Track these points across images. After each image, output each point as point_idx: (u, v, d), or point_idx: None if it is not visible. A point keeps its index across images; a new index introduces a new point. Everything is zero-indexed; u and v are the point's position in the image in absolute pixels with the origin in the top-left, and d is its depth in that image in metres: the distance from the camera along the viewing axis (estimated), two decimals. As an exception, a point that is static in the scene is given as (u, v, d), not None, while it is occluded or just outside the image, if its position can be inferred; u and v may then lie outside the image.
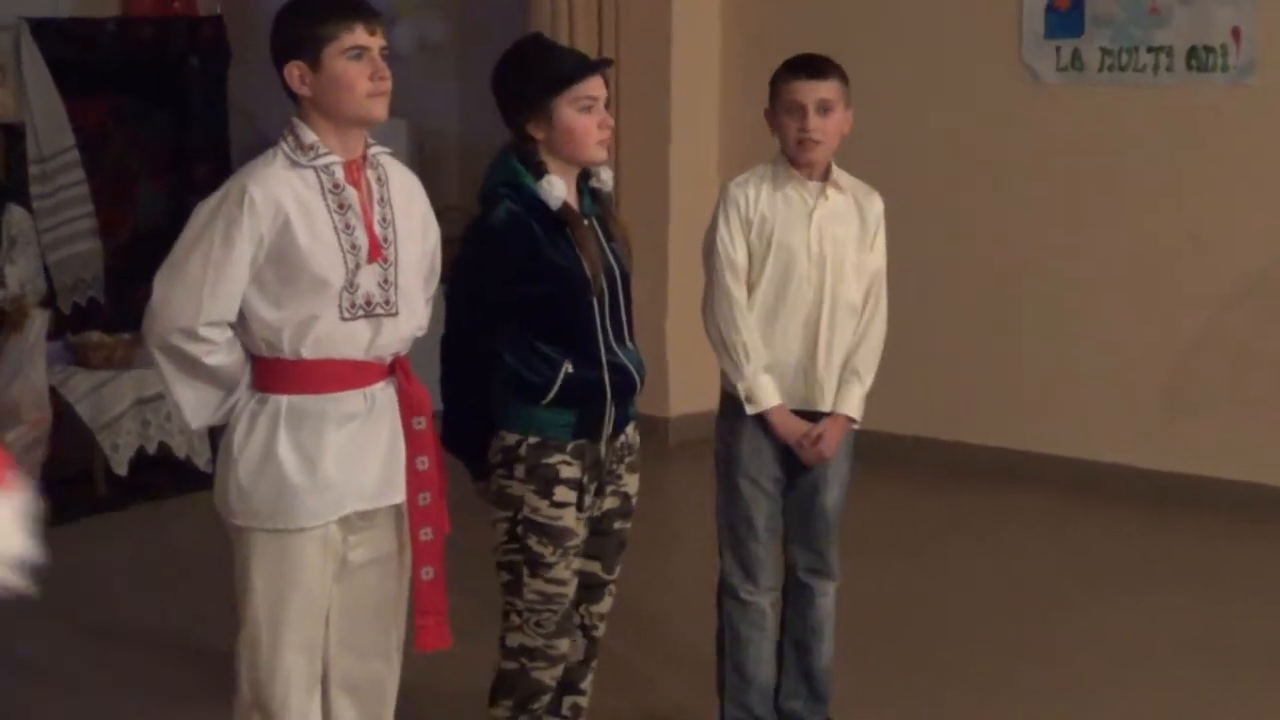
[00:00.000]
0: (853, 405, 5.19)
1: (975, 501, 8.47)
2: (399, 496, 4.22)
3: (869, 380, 5.21)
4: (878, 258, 5.24)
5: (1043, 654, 6.39)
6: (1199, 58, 8.21)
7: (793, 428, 5.15)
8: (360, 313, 4.08)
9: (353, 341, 4.08)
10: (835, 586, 5.36)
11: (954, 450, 8.98)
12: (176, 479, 8.55)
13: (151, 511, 8.30)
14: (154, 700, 5.97)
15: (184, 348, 4.02)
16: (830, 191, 5.15)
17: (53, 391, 8.03)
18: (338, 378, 4.08)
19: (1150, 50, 8.34)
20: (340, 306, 4.05)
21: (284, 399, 4.06)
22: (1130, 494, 8.35)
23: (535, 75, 4.53)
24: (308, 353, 4.04)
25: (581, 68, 4.61)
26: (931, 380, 8.91)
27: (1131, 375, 8.52)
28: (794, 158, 5.11)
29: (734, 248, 5.12)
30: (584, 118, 4.52)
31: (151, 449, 8.43)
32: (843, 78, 5.11)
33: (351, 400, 4.11)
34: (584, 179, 4.68)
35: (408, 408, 4.21)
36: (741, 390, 5.12)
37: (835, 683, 5.44)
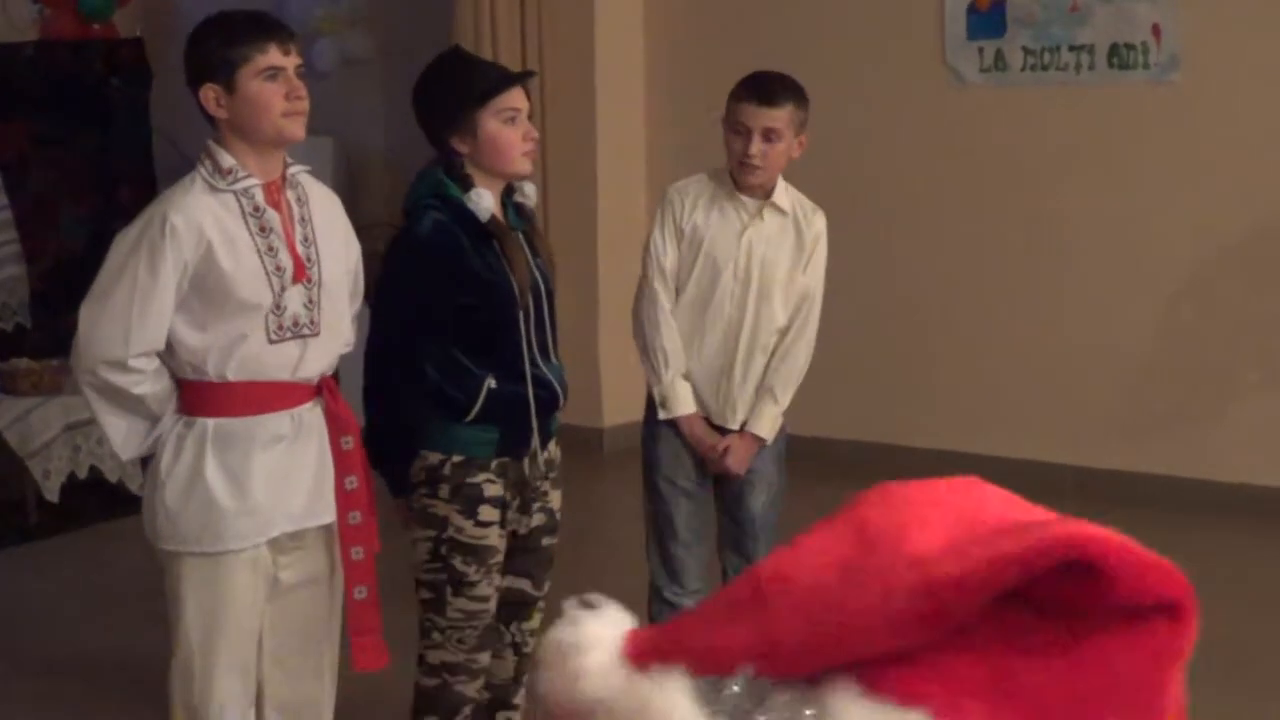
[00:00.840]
0: (764, 425, 5.19)
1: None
2: (328, 516, 4.20)
3: (785, 401, 5.21)
4: (811, 279, 5.22)
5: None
6: (1120, 56, 8.25)
7: (701, 437, 5.17)
8: (288, 334, 4.06)
9: (280, 363, 4.06)
10: (768, 593, 5.35)
11: (889, 454, 8.98)
12: (109, 503, 8.48)
13: (85, 537, 8.23)
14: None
15: (112, 379, 3.99)
16: (767, 213, 5.13)
17: (-20, 419, 7.97)
18: (264, 400, 4.07)
19: (1072, 49, 8.38)
20: (268, 329, 4.02)
21: (210, 422, 4.04)
22: (1062, 492, 8.37)
23: (458, 88, 4.51)
24: (233, 375, 4.02)
25: (504, 79, 4.60)
26: (862, 385, 8.92)
27: (1060, 373, 8.55)
28: (734, 176, 5.11)
29: (664, 251, 5.13)
30: (507, 129, 4.51)
31: (83, 474, 8.36)
32: (799, 103, 5.07)
33: (278, 422, 4.09)
34: (508, 194, 4.65)
35: (335, 428, 4.19)
36: (657, 394, 5.15)
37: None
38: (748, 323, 5.14)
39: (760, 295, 5.13)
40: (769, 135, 5.02)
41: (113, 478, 8.44)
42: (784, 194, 5.18)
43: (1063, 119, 8.46)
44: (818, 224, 5.21)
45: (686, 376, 5.15)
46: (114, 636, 6.76)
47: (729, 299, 5.12)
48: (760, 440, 5.19)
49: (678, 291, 5.15)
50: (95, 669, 6.43)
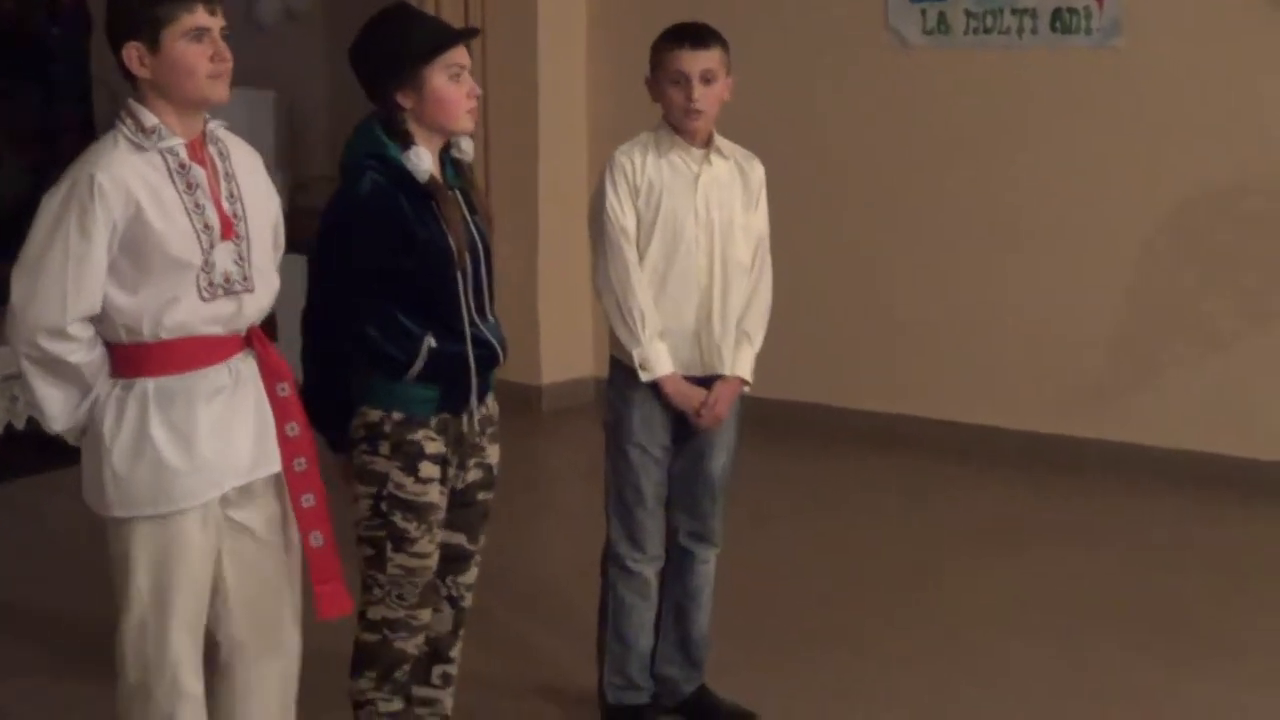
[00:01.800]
0: (744, 367, 5.21)
1: (852, 466, 8.52)
2: (275, 466, 4.19)
3: (759, 341, 5.24)
4: (762, 221, 5.27)
5: (922, 617, 6.44)
6: (1063, 20, 8.28)
7: (688, 394, 5.15)
8: (220, 292, 4.04)
9: (214, 320, 4.04)
10: (716, 553, 5.38)
11: (831, 415, 9.03)
12: (47, 455, 8.42)
13: (22, 488, 8.22)
14: (29, 679, 5.92)
15: (50, 348, 3.95)
16: (714, 158, 5.16)
17: (-84, 370, 7.93)
18: (200, 355, 4.04)
19: (1015, 12, 8.40)
20: (199, 287, 4.00)
21: (150, 381, 4.01)
22: (1004, 456, 8.43)
23: (405, 43, 4.48)
24: (168, 334, 3.99)
25: (452, 35, 4.58)
26: (807, 346, 8.93)
27: (1001, 337, 8.59)
28: (679, 126, 5.12)
29: (624, 214, 5.12)
30: (453, 86, 4.49)
31: (20, 425, 8.33)
32: (724, 45, 5.11)
33: (216, 375, 4.07)
34: (445, 150, 4.64)
35: (270, 375, 4.17)
36: (636, 357, 5.11)
37: (711, 650, 5.47)
38: (718, 267, 5.14)
39: (724, 238, 5.15)
40: (706, 77, 5.05)
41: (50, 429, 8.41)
42: (722, 141, 5.21)
43: (1005, 83, 8.48)
44: (760, 169, 5.27)
45: (662, 335, 5.14)
46: (50, 587, 6.76)
47: (696, 247, 5.13)
48: (745, 383, 5.20)
49: (641, 252, 5.14)
50: (30, 619, 6.42)
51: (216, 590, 4.21)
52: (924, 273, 8.79)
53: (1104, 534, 7.42)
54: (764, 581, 6.70)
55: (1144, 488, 7.99)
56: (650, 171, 5.13)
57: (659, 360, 5.13)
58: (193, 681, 4.19)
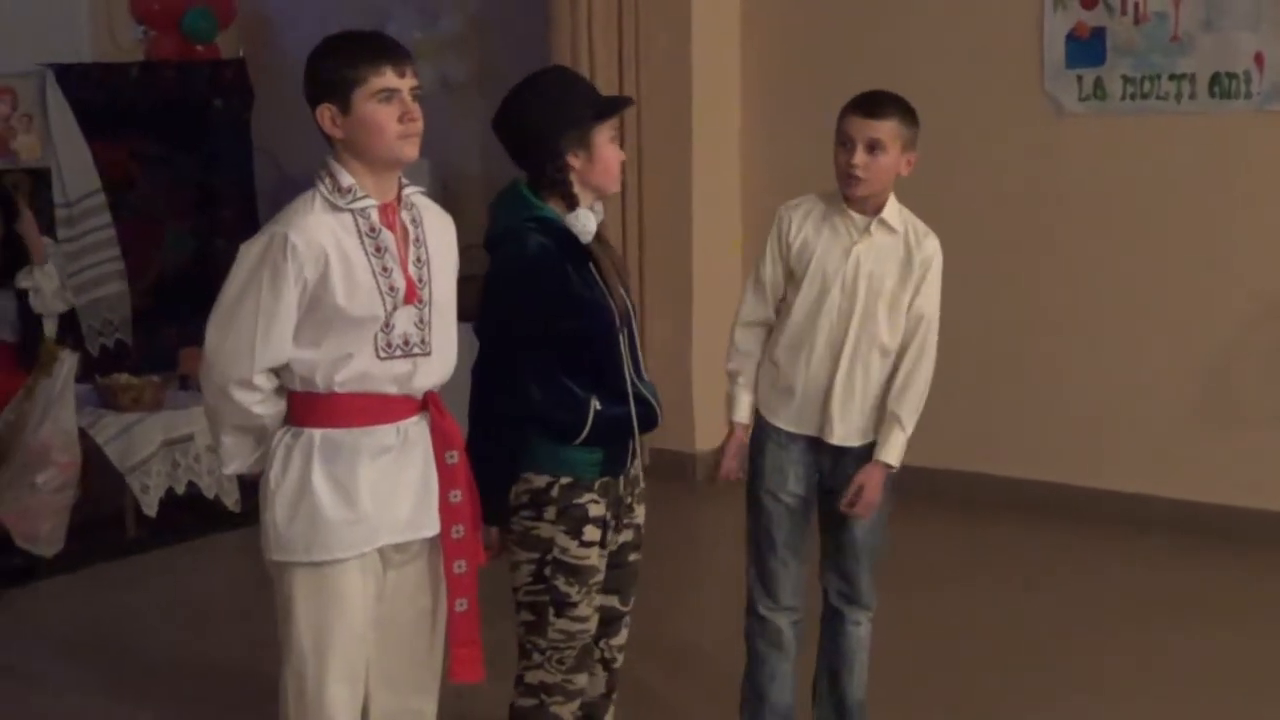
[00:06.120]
0: (892, 452, 5.12)
1: (1009, 534, 8.44)
2: (432, 530, 4.23)
3: (910, 426, 5.13)
4: (925, 303, 5.17)
5: (1081, 688, 6.35)
6: (1222, 85, 8.21)
7: (731, 453, 5.24)
8: (398, 352, 4.10)
9: (389, 379, 4.10)
10: (869, 616, 5.33)
11: (986, 483, 8.95)
12: (206, 519, 8.57)
13: (181, 552, 8.31)
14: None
15: (238, 396, 4.05)
16: (876, 230, 5.12)
17: (82, 434, 8.04)
18: (370, 412, 4.11)
19: (1173, 78, 8.34)
20: (376, 345, 4.07)
21: (317, 432, 4.08)
22: (1161, 524, 8.33)
23: (580, 102, 4.51)
24: (341, 388, 4.06)
25: (620, 99, 4.70)
26: (962, 413, 8.88)
27: (1162, 404, 8.50)
28: (841, 190, 5.11)
29: (765, 263, 5.18)
30: (614, 148, 4.54)
31: (180, 490, 8.45)
32: (905, 119, 5.04)
33: (384, 434, 4.13)
34: None
35: (440, 442, 4.22)
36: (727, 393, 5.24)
37: (869, 715, 5.43)
38: (850, 339, 5.11)
39: (865, 312, 5.11)
40: (872, 146, 5.00)
41: (209, 494, 8.53)
42: (896, 213, 5.14)
43: (1163, 148, 8.41)
44: (929, 246, 5.19)
45: (788, 390, 5.15)
46: (211, 650, 6.82)
47: (835, 313, 5.11)
48: (890, 468, 5.15)
49: (787, 307, 5.16)
50: (192, 682, 6.48)
51: None
52: (1080, 340, 8.72)
53: (1263, 606, 7.30)
54: (925, 650, 6.64)
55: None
56: (808, 230, 5.14)
57: (738, 405, 5.22)
58: None
